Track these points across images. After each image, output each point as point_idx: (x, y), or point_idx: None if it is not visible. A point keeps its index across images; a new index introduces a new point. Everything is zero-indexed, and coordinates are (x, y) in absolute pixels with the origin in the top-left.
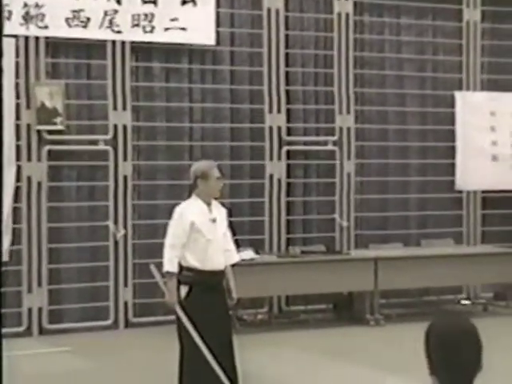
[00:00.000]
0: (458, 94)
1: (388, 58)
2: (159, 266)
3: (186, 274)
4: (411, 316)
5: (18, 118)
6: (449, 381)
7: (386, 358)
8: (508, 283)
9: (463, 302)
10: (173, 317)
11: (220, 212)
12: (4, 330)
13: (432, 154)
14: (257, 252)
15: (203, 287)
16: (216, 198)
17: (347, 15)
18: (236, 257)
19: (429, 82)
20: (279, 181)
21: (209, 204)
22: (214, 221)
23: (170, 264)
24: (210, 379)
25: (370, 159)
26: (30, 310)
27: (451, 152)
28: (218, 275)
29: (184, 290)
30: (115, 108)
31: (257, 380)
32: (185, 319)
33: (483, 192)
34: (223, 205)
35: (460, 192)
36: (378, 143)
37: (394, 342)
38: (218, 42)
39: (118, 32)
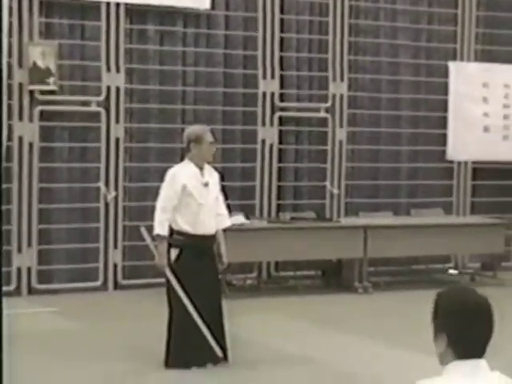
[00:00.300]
0: (451, 65)
1: (383, 26)
2: (150, 228)
3: (177, 238)
4: (399, 284)
5: (10, 77)
6: (464, 352)
7: (373, 325)
8: (495, 254)
9: (451, 271)
10: (162, 279)
11: (212, 176)
12: None
13: (424, 123)
14: (247, 217)
15: (194, 251)
16: (209, 163)
17: None
18: (228, 221)
19: (423, 52)
20: (271, 146)
21: (201, 168)
22: (206, 185)
23: (160, 227)
24: (198, 342)
25: (362, 127)
26: (19, 270)
27: (443, 122)
28: (209, 239)
29: (174, 253)
30: (108, 70)
31: (245, 344)
32: (174, 282)
33: (474, 163)
34: (216, 169)
35: (451, 162)
36: (371, 111)
37: (381, 309)
38: (212, 6)
39: None
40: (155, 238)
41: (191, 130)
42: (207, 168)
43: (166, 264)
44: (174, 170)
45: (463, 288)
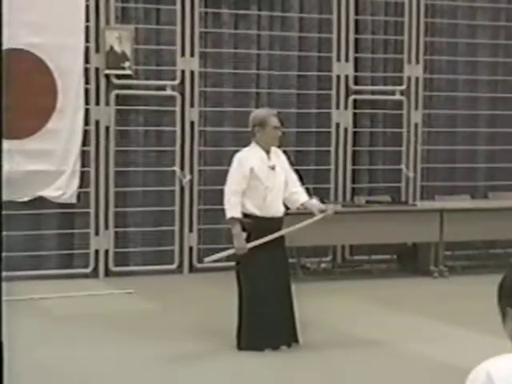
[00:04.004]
0: None
1: (460, 6)
2: (216, 212)
3: (245, 221)
4: (476, 268)
5: (86, 61)
6: None
7: (448, 309)
8: None
9: None
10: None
11: (279, 159)
12: (72, 271)
13: (502, 104)
14: (322, 201)
15: (262, 234)
16: (279, 146)
17: None
18: (305, 196)
19: (502, 32)
20: (345, 130)
21: (268, 152)
22: (272, 168)
23: (234, 210)
24: (270, 324)
25: (438, 109)
26: (96, 252)
27: None
28: (277, 222)
29: (243, 236)
30: (183, 54)
31: (319, 327)
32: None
33: None
34: (285, 152)
35: None
36: (447, 93)
37: (457, 293)
38: None
39: None
40: (228, 222)
41: (256, 113)
42: (273, 151)
43: (245, 245)
44: (240, 154)
45: None
